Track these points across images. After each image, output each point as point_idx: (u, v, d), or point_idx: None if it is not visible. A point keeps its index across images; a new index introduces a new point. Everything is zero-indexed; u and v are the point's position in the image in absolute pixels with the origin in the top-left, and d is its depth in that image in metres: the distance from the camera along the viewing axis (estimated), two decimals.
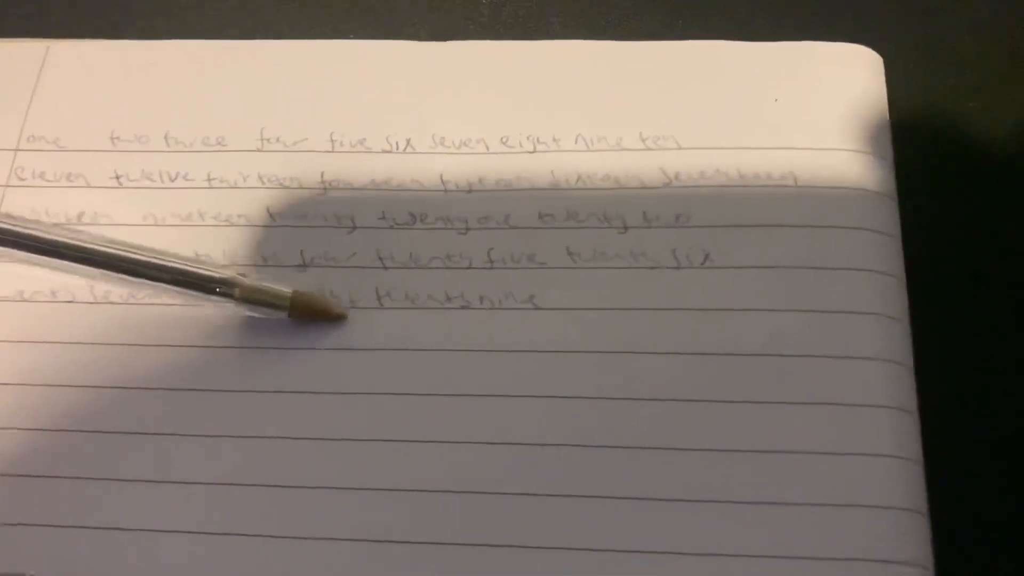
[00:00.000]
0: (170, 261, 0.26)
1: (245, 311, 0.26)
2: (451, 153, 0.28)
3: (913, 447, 0.24)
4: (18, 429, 0.25)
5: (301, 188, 0.27)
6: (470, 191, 0.27)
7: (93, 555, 0.23)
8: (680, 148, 0.27)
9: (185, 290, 0.26)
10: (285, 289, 0.26)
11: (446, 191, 0.27)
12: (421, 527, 0.23)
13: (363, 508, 0.24)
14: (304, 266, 0.26)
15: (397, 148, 0.28)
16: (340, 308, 0.26)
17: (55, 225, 0.27)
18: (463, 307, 0.26)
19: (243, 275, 0.26)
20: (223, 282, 0.25)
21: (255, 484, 0.24)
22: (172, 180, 0.28)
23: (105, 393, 0.25)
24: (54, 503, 0.24)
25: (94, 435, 0.25)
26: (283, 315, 0.25)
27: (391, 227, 0.27)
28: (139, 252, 0.26)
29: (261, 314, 0.26)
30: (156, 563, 0.23)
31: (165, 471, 0.24)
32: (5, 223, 0.26)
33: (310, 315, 0.25)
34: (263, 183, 0.28)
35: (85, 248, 0.26)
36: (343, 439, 0.24)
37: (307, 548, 0.23)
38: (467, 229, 0.27)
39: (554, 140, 0.27)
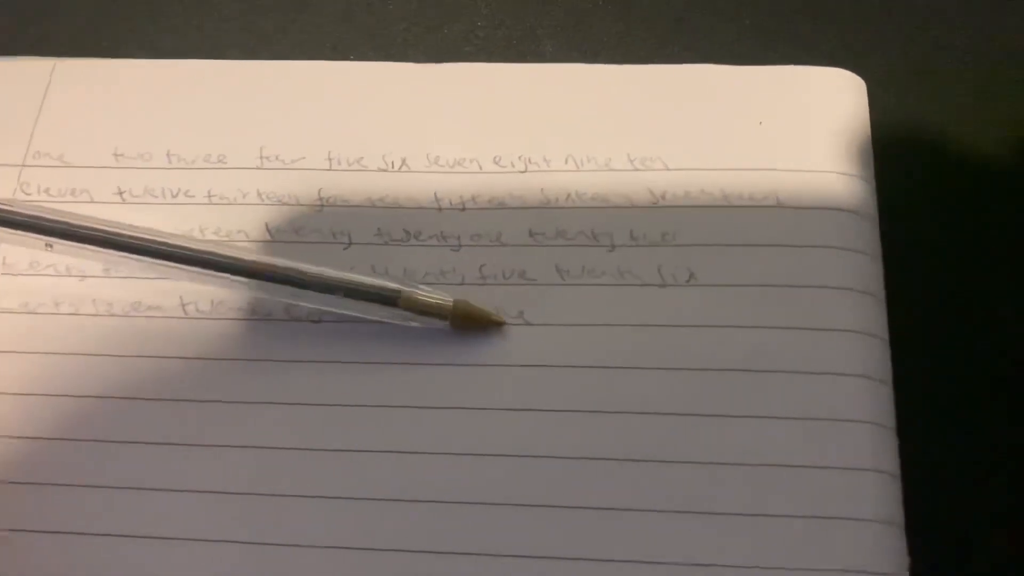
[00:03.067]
0: (334, 273, 0.26)
1: (404, 321, 0.26)
2: (445, 172, 0.28)
3: (890, 461, 0.24)
4: (21, 438, 0.26)
5: (299, 205, 0.28)
6: (463, 209, 0.28)
7: (96, 563, 0.24)
8: (667, 169, 0.28)
9: (353, 301, 0.26)
10: (447, 298, 0.26)
11: (440, 209, 0.28)
12: (406, 535, 0.24)
13: (353, 517, 0.24)
14: None
15: (393, 167, 0.29)
16: (500, 316, 0.26)
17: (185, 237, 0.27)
18: None
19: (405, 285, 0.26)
20: (391, 291, 0.25)
21: (256, 493, 0.25)
22: (174, 196, 0.29)
23: (107, 403, 0.26)
24: (57, 511, 0.25)
25: (96, 444, 0.25)
26: (444, 324, 0.26)
27: (386, 243, 0.27)
28: (304, 265, 0.26)
29: (421, 323, 0.26)
30: (159, 572, 0.24)
31: (167, 480, 0.25)
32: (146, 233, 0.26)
33: (471, 324, 0.26)
34: (262, 200, 0.28)
35: (231, 258, 0.26)
36: (335, 450, 0.25)
37: (304, 556, 0.24)
38: (460, 246, 0.27)
39: (545, 160, 0.28)
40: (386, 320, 0.26)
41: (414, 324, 0.26)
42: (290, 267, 0.26)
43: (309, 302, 0.26)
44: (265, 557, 0.24)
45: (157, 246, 0.26)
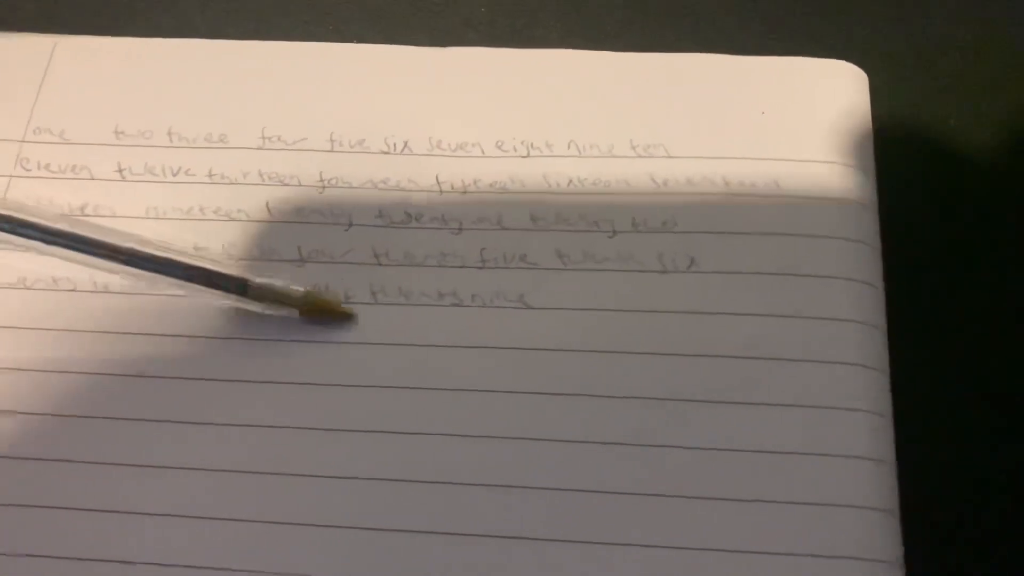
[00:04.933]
0: (183, 258, 0.26)
1: (256, 308, 0.26)
2: (447, 155, 0.28)
3: (886, 449, 0.24)
4: (18, 413, 0.26)
5: (300, 186, 0.28)
6: (465, 192, 0.28)
7: (92, 537, 0.24)
8: (669, 156, 0.28)
9: (199, 287, 0.26)
10: (297, 288, 0.26)
11: (441, 192, 0.28)
12: (409, 517, 0.24)
13: (355, 497, 0.24)
14: (301, 261, 0.27)
15: (395, 149, 0.29)
16: (348, 308, 0.26)
17: (61, 216, 0.27)
18: (455, 304, 0.26)
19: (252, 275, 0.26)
20: (236, 280, 0.26)
21: (252, 472, 0.25)
22: (174, 175, 0.29)
23: (105, 380, 0.26)
24: (54, 485, 0.25)
25: (92, 420, 0.25)
26: (294, 313, 0.26)
27: (387, 225, 0.27)
28: (153, 247, 0.27)
29: (272, 311, 0.26)
30: (153, 545, 0.24)
31: (163, 457, 0.25)
32: (9, 212, 0.27)
33: (320, 314, 0.26)
34: (263, 180, 0.28)
35: (94, 240, 0.27)
36: (334, 430, 0.25)
37: (302, 534, 0.24)
38: (461, 229, 0.27)
39: (547, 145, 0.28)
40: (240, 307, 0.26)
41: (268, 313, 0.26)
42: (135, 249, 0.26)
43: (160, 286, 0.26)
44: (261, 534, 0.24)
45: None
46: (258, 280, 0.26)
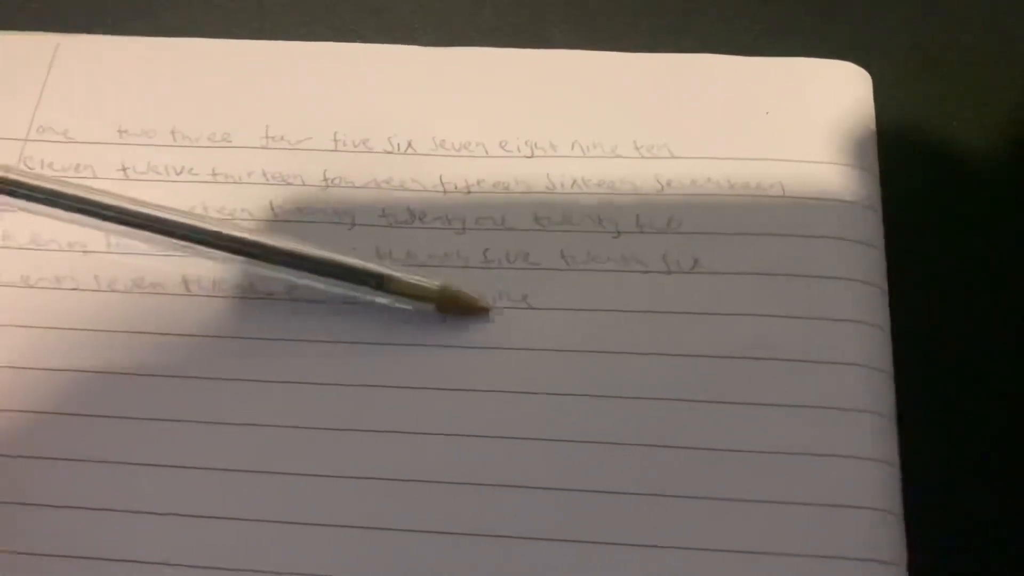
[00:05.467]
0: (323, 254, 0.26)
1: (393, 303, 0.26)
2: (451, 155, 0.28)
3: (890, 450, 0.24)
4: (21, 412, 0.26)
5: (304, 185, 0.28)
6: (468, 192, 0.28)
7: (95, 537, 0.24)
8: (673, 157, 0.28)
9: (338, 282, 0.26)
10: (433, 282, 0.26)
11: (445, 192, 0.28)
12: (411, 517, 0.24)
13: (360, 497, 0.24)
14: None
15: (398, 149, 0.29)
16: (487, 302, 0.26)
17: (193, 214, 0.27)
18: None
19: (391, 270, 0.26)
20: (377, 276, 0.26)
21: (256, 471, 0.25)
22: (178, 174, 0.29)
23: (108, 379, 0.26)
24: (57, 485, 0.25)
25: (96, 419, 0.25)
26: (430, 307, 0.26)
27: (390, 225, 0.27)
28: (288, 243, 0.26)
29: (409, 306, 0.26)
30: (157, 545, 0.24)
31: (166, 456, 0.25)
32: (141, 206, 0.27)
33: (457, 309, 0.26)
34: (267, 179, 0.28)
35: (212, 232, 0.26)
36: (339, 429, 0.25)
37: (309, 534, 0.24)
38: (464, 229, 0.27)
39: (551, 146, 0.28)
40: (375, 301, 0.26)
41: (402, 307, 0.26)
42: (275, 245, 0.26)
43: (298, 280, 0.26)
44: (263, 534, 0.24)
45: (151, 219, 0.27)
46: (396, 274, 0.26)
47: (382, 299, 0.26)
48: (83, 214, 0.27)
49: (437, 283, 0.26)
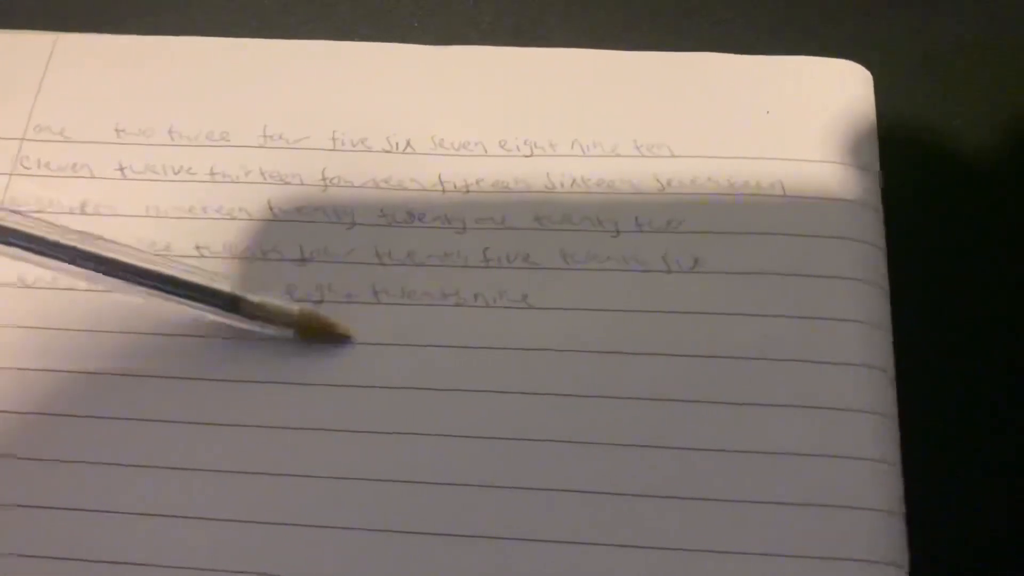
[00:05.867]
0: (172, 271, 0.25)
1: (249, 327, 0.25)
2: (450, 155, 0.28)
3: (892, 451, 0.24)
4: (17, 412, 0.25)
5: (302, 184, 0.28)
6: (468, 192, 0.28)
7: (92, 538, 0.24)
8: (673, 156, 0.28)
9: (190, 303, 0.25)
10: (292, 306, 0.25)
11: (444, 191, 0.28)
12: (410, 518, 0.24)
13: (356, 498, 0.24)
14: (303, 260, 0.27)
15: (397, 148, 0.28)
16: (346, 328, 0.26)
17: (53, 226, 0.26)
18: (458, 304, 0.26)
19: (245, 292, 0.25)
20: (230, 298, 0.25)
21: (251, 472, 0.24)
22: (175, 173, 0.28)
23: (103, 379, 0.26)
24: (54, 486, 0.25)
25: (92, 420, 0.25)
26: (289, 333, 0.25)
27: (390, 225, 0.27)
28: (141, 257, 0.25)
29: (267, 330, 0.25)
30: (151, 546, 0.24)
31: (162, 457, 0.25)
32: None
33: (317, 335, 0.25)
34: (265, 178, 0.28)
35: (84, 251, 0.25)
36: (335, 430, 0.25)
37: (302, 536, 0.24)
38: (464, 229, 0.27)
39: (551, 145, 0.28)
40: (234, 325, 0.25)
41: (266, 331, 0.25)
42: (137, 265, 0.25)
43: (159, 301, 0.25)
44: (260, 535, 0.24)
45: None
46: (252, 297, 0.25)
47: (240, 323, 0.25)
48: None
49: (296, 307, 0.25)
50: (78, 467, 0.25)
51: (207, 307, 0.25)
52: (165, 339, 0.26)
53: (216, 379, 0.26)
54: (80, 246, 0.25)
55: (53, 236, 0.25)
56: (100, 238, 0.25)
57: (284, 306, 0.25)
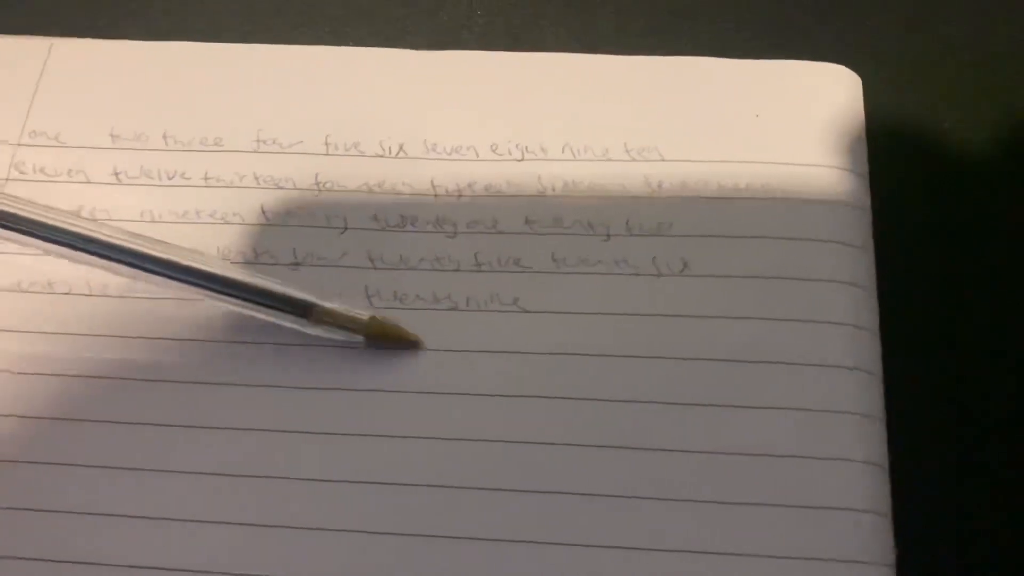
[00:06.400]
0: (249, 278, 0.26)
1: (318, 332, 0.26)
2: (442, 159, 0.28)
3: (879, 452, 0.24)
4: (14, 416, 0.26)
5: (296, 189, 0.28)
6: (460, 196, 0.28)
7: (89, 543, 0.24)
8: (663, 160, 0.28)
9: (258, 308, 0.26)
10: (362, 313, 0.26)
11: (436, 195, 0.28)
12: (404, 521, 0.24)
13: (351, 501, 0.24)
14: (296, 264, 0.27)
15: (390, 153, 0.29)
16: (415, 335, 0.26)
17: (90, 220, 0.27)
18: (450, 308, 0.26)
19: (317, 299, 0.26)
20: (302, 304, 0.25)
21: (250, 476, 0.25)
22: (170, 178, 0.29)
23: (101, 384, 0.26)
24: (50, 490, 0.25)
25: (89, 424, 0.25)
26: (358, 338, 0.26)
27: (382, 229, 0.28)
28: (210, 264, 0.26)
29: (335, 336, 0.26)
30: (150, 550, 0.24)
31: (159, 460, 0.25)
32: (72, 222, 0.27)
33: (386, 340, 0.26)
34: (259, 183, 0.28)
35: (158, 258, 0.26)
36: (329, 434, 0.25)
37: (301, 539, 0.24)
38: (456, 233, 0.27)
39: (542, 149, 0.28)
40: (304, 331, 0.26)
41: (334, 336, 0.26)
42: (209, 271, 0.26)
43: (228, 305, 0.26)
44: (259, 539, 0.24)
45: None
46: (325, 304, 0.26)
47: (310, 330, 0.26)
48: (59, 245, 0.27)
49: (366, 314, 0.26)
50: (74, 471, 0.25)
51: (279, 313, 0.26)
52: (161, 343, 0.26)
53: (213, 383, 0.26)
54: (159, 254, 0.26)
55: (88, 231, 0.26)
56: (176, 246, 0.27)
57: (353, 312, 0.26)
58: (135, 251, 0.26)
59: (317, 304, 0.26)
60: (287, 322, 0.26)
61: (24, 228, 0.27)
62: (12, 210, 0.27)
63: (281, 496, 0.24)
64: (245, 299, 0.26)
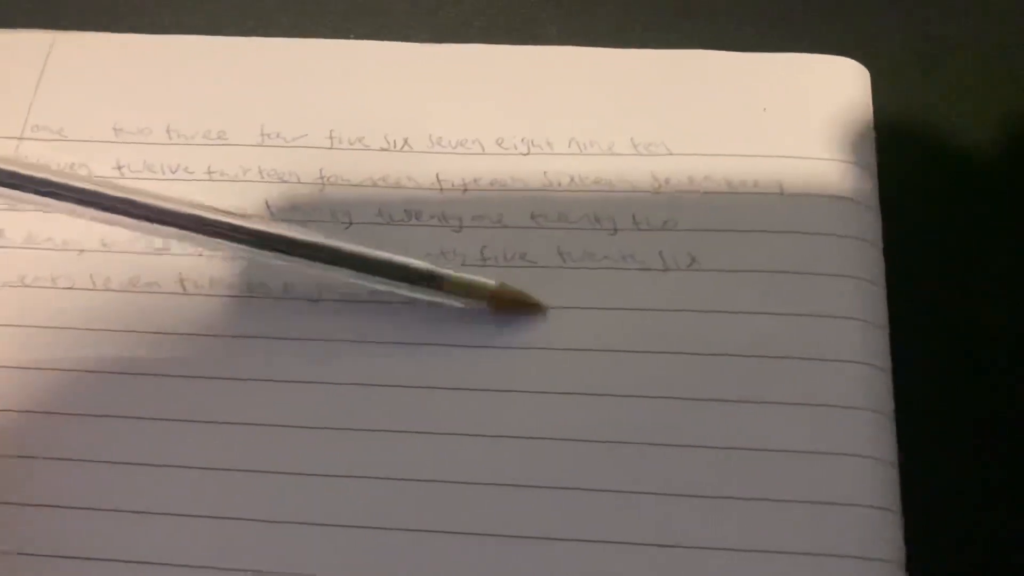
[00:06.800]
0: (371, 252, 0.26)
1: (448, 302, 0.26)
2: (447, 153, 0.28)
3: (888, 448, 0.24)
4: (17, 411, 0.26)
5: (300, 183, 0.28)
6: (465, 190, 0.28)
7: (89, 537, 0.24)
8: (670, 154, 0.28)
9: (390, 282, 0.26)
10: (489, 281, 0.26)
11: (442, 190, 0.28)
12: (410, 516, 0.24)
13: (357, 496, 0.24)
14: None
15: (395, 147, 0.28)
16: (538, 300, 0.26)
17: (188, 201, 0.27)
18: None
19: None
20: (429, 275, 0.25)
21: (248, 470, 0.24)
22: (173, 172, 0.28)
23: (104, 378, 0.26)
24: (52, 484, 0.25)
25: (91, 419, 0.25)
26: (483, 305, 0.26)
27: (387, 223, 0.27)
28: (341, 243, 0.26)
29: (462, 304, 0.26)
30: (155, 547, 0.24)
31: (161, 455, 0.25)
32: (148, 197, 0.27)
33: (512, 307, 0.26)
34: (263, 177, 0.28)
35: (273, 235, 0.26)
36: (337, 428, 0.25)
37: (307, 534, 0.24)
38: (461, 227, 0.27)
39: (548, 143, 0.28)
40: (426, 299, 0.26)
41: (456, 304, 0.26)
42: (328, 244, 0.26)
43: (346, 279, 0.26)
44: (261, 534, 0.24)
45: (183, 216, 0.26)
46: (451, 273, 0.25)
47: (435, 298, 0.26)
48: (86, 206, 0.27)
49: (492, 281, 0.26)
50: (77, 465, 0.25)
51: (401, 283, 0.26)
52: (164, 337, 0.26)
53: (216, 377, 0.26)
54: (264, 229, 0.26)
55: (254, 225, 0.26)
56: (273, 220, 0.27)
57: (480, 280, 0.26)
58: (248, 228, 0.26)
59: (446, 274, 0.25)
60: (417, 293, 0.26)
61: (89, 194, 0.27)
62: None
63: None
64: (368, 272, 0.26)
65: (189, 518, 0.24)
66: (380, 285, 0.26)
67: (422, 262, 0.26)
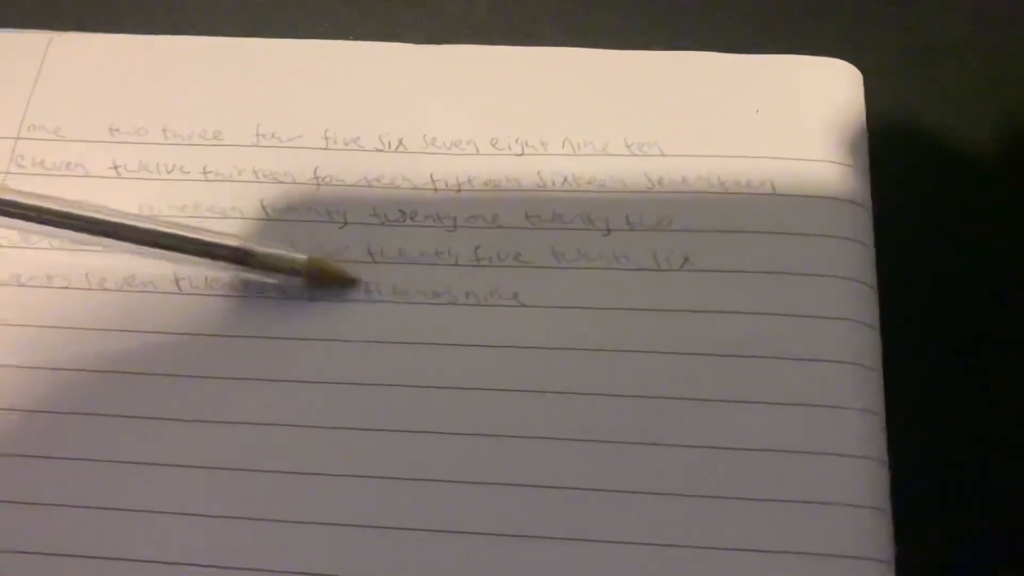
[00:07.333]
0: (180, 230, 0.26)
1: (259, 278, 0.26)
2: (442, 153, 0.28)
3: (878, 448, 0.24)
4: (12, 410, 0.26)
5: (295, 183, 0.28)
6: (459, 190, 0.28)
7: (84, 536, 0.24)
8: (664, 155, 0.28)
9: (196, 258, 0.26)
10: (300, 255, 0.26)
11: (436, 190, 0.28)
12: (400, 515, 0.24)
13: (345, 494, 0.24)
14: None
15: (389, 147, 0.29)
16: (351, 272, 0.26)
17: (54, 198, 0.27)
18: (450, 302, 0.26)
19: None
20: (236, 250, 0.26)
21: (245, 469, 0.25)
22: (169, 172, 0.29)
23: (99, 378, 0.26)
24: (47, 483, 0.25)
25: (86, 418, 0.25)
26: (299, 281, 0.26)
27: (382, 223, 0.28)
28: (148, 221, 0.27)
29: (276, 280, 0.26)
30: (149, 545, 0.24)
31: (155, 454, 0.25)
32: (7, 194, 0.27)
33: (325, 280, 0.26)
34: (258, 177, 0.28)
35: (94, 219, 0.27)
36: (329, 427, 0.25)
37: (293, 532, 0.24)
38: (455, 227, 0.27)
39: (542, 144, 0.28)
40: (243, 276, 0.26)
41: (269, 281, 0.26)
42: (129, 223, 0.26)
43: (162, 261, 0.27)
44: (260, 533, 0.24)
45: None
46: (261, 248, 0.26)
47: (249, 275, 0.26)
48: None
49: (303, 255, 0.26)
50: (73, 464, 0.25)
51: (216, 262, 0.26)
52: (160, 336, 0.26)
53: (212, 376, 0.26)
54: (90, 215, 0.27)
55: (56, 205, 0.27)
56: (104, 207, 0.27)
57: (291, 254, 0.26)
58: (63, 212, 0.27)
59: (254, 249, 0.26)
60: (228, 271, 0.26)
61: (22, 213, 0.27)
62: (13, 198, 0.27)
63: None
64: (184, 251, 0.26)
65: (188, 516, 0.24)
66: (191, 264, 0.26)
67: (232, 237, 0.26)
